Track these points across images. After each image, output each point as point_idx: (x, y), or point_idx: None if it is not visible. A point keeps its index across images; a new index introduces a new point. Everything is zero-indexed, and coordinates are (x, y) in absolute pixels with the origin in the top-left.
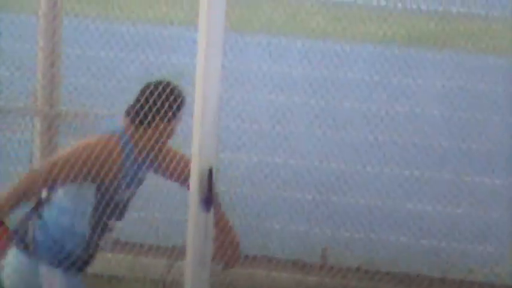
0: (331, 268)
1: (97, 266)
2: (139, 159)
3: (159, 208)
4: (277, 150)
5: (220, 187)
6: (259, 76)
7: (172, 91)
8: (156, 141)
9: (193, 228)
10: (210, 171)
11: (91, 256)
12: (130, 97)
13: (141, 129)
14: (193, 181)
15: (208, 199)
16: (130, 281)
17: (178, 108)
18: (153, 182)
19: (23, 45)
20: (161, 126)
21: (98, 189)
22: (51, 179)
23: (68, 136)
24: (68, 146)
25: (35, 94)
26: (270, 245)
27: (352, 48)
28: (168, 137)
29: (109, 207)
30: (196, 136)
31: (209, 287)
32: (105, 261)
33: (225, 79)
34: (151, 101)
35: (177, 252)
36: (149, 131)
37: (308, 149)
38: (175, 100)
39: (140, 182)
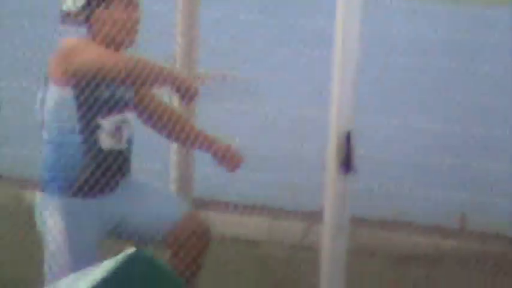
0: (470, 233)
1: (234, 229)
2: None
3: (296, 172)
4: (417, 114)
5: (359, 151)
6: (398, 39)
7: None
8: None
9: (331, 191)
10: (349, 135)
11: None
12: (269, 60)
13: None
14: (332, 144)
15: (347, 163)
16: (268, 244)
17: None
18: (289, 146)
19: (162, 7)
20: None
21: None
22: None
23: (206, 98)
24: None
25: (174, 56)
26: (408, 210)
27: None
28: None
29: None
30: (334, 99)
31: (346, 251)
32: (242, 225)
33: (364, 41)
34: None
35: (315, 217)
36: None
37: (447, 114)
38: None
39: None
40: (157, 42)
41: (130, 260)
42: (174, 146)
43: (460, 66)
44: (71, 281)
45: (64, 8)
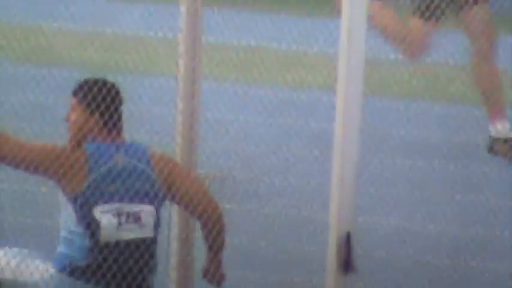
0: None
1: None
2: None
3: (297, 272)
4: (415, 215)
5: (358, 251)
6: (397, 140)
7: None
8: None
9: None
10: (348, 236)
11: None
12: (269, 160)
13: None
14: (332, 245)
15: (347, 263)
16: None
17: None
18: (290, 246)
19: (163, 108)
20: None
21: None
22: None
23: None
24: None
25: (174, 157)
26: None
27: None
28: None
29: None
30: (334, 200)
31: None
32: None
33: (363, 143)
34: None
35: None
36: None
37: (446, 214)
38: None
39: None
40: (157, 143)
41: None
42: (174, 248)
43: (456, 167)
44: None
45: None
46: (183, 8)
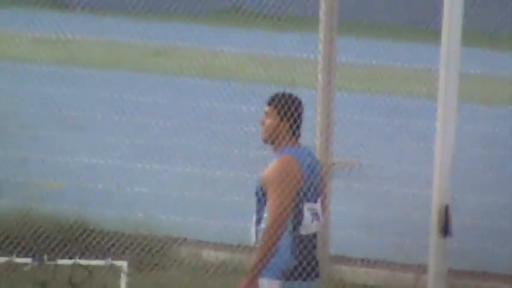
0: None
1: (361, 278)
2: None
3: (407, 236)
4: (500, 190)
5: (453, 220)
6: (483, 136)
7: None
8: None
9: (434, 250)
10: (447, 208)
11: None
12: (387, 151)
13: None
14: (434, 215)
15: (446, 229)
16: None
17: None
18: (403, 216)
19: (306, 112)
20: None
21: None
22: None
23: (339, 179)
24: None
25: (315, 149)
26: (495, 263)
27: None
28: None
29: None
30: (436, 181)
31: None
32: (368, 276)
33: (457, 138)
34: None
35: (422, 269)
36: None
37: None
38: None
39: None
40: (302, 138)
41: None
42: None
43: None
44: None
45: None
46: (321, 36)
